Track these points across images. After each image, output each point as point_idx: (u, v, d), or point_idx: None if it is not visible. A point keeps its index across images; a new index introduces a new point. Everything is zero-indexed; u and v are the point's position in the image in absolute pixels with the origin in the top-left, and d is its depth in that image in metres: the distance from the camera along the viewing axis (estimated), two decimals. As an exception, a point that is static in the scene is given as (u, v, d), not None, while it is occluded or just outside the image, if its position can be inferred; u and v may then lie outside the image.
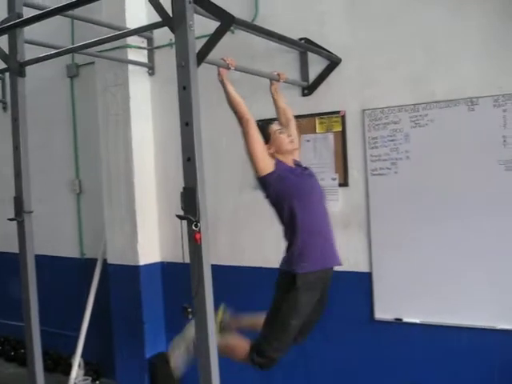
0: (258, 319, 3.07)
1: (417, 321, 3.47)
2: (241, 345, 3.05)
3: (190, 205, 2.49)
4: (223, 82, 2.86)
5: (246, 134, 2.89)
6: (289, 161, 3.07)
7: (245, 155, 2.97)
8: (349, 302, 3.67)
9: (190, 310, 2.54)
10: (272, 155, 3.00)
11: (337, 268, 3.56)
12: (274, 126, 3.10)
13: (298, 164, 3.14)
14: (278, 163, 2.98)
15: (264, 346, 2.96)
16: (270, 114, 3.45)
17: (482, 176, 3.25)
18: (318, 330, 3.53)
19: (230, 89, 2.87)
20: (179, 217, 2.52)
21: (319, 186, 3.13)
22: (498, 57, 3.19)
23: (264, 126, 3.09)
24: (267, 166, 2.92)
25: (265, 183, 2.95)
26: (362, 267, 3.63)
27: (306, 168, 3.15)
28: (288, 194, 2.93)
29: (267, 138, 3.02)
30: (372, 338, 3.64)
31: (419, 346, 3.49)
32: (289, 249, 2.96)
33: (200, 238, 2.49)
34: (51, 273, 5.17)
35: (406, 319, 3.51)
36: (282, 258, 2.98)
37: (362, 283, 3.62)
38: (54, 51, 3.35)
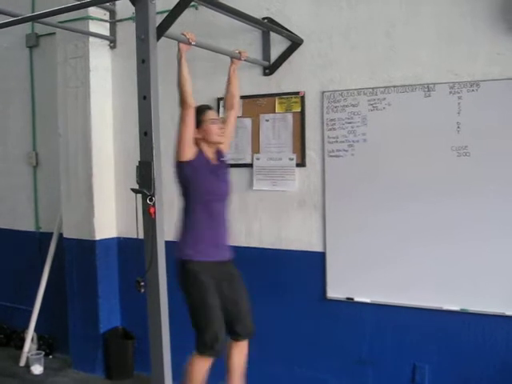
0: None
1: (367, 300, 3.55)
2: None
3: (145, 179, 2.50)
4: (180, 60, 2.85)
5: (182, 117, 2.94)
6: (210, 152, 3.14)
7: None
8: (302, 280, 3.73)
9: (142, 283, 2.56)
10: (197, 141, 3.07)
11: (292, 247, 3.66)
12: (210, 114, 3.13)
13: (219, 156, 3.20)
14: (199, 153, 3.06)
15: (202, 338, 2.98)
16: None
17: (435, 161, 3.32)
18: (271, 307, 3.60)
19: (184, 69, 2.86)
20: (134, 190, 2.53)
21: (228, 185, 3.21)
22: (455, 44, 3.25)
23: (201, 110, 3.11)
24: (188, 152, 3.00)
25: (180, 168, 3.03)
26: (316, 247, 3.68)
27: (223, 162, 3.21)
28: (194, 187, 3.04)
29: (199, 123, 3.06)
30: (324, 316, 3.71)
31: (369, 324, 3.59)
32: (183, 237, 3.09)
33: (155, 213, 2.50)
34: (6, 246, 5.12)
35: (357, 298, 3.59)
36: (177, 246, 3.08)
37: (316, 263, 3.67)
38: (11, 19, 3.27)
